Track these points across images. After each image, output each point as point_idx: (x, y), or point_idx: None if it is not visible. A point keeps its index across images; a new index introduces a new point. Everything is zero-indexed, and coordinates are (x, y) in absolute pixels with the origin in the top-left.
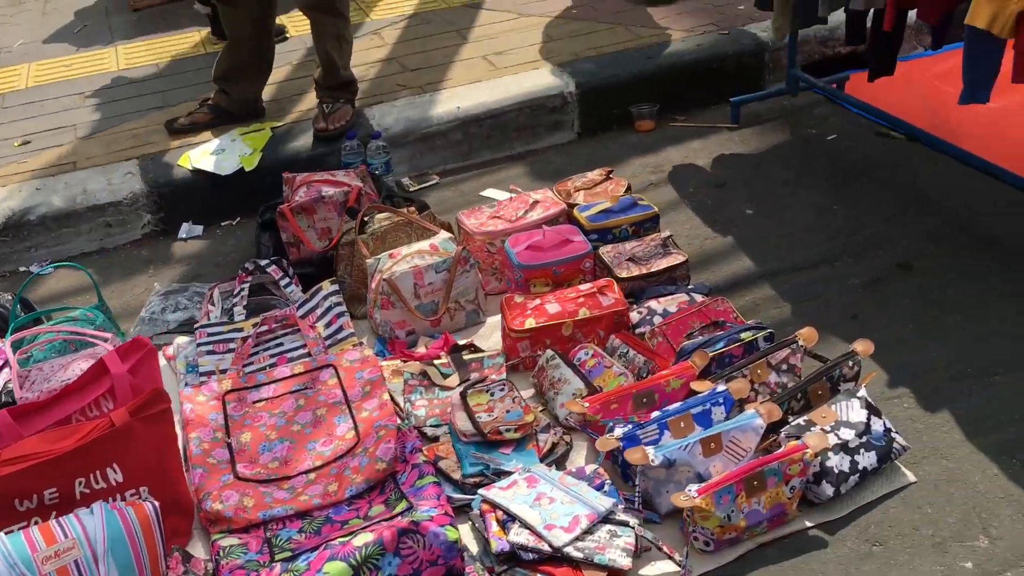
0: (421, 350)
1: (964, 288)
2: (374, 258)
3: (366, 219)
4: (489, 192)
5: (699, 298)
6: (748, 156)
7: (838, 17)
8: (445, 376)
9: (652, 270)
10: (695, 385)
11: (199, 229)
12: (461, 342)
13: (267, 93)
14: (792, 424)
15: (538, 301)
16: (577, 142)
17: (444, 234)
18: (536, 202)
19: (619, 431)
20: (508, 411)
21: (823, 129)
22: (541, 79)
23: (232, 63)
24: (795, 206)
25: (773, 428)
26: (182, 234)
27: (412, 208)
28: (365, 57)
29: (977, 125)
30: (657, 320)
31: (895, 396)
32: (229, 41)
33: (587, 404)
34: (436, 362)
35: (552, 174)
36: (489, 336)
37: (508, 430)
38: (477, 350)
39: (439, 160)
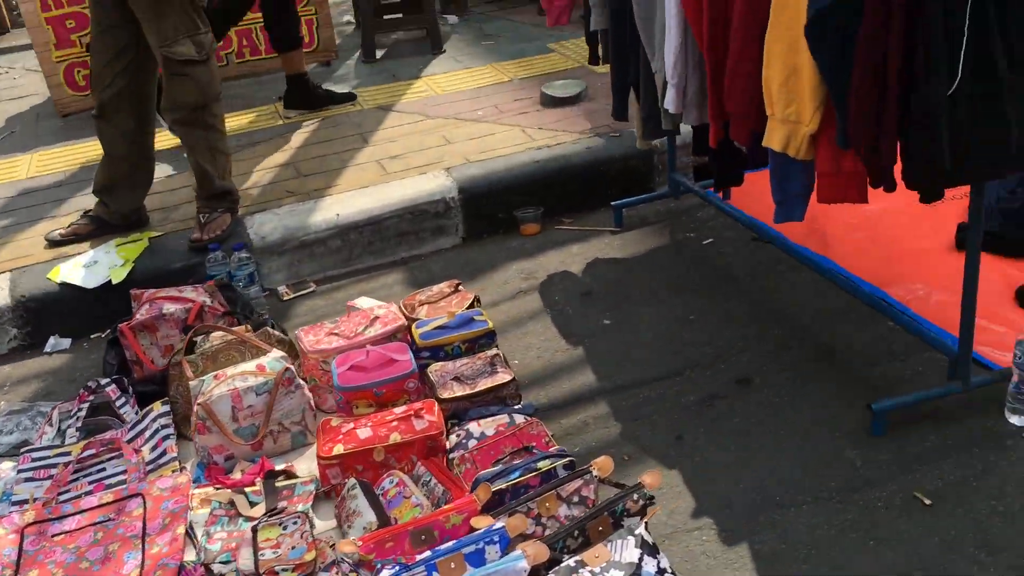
0: (237, 476)
1: (798, 406)
2: (198, 380)
3: (196, 339)
4: (360, 301)
5: (520, 420)
6: (622, 261)
7: None
8: (253, 504)
9: (476, 390)
10: (475, 521)
11: (66, 343)
12: (278, 467)
13: (156, 200)
14: (563, 565)
15: (351, 425)
16: (462, 247)
17: (275, 353)
18: (377, 318)
19: (386, 573)
20: (293, 547)
21: (701, 233)
22: (425, 184)
23: (109, 177)
24: (653, 316)
25: (549, 567)
26: (48, 348)
27: (248, 326)
28: (265, 162)
29: (849, 229)
30: (472, 444)
31: (697, 527)
32: (105, 155)
33: (360, 543)
34: (247, 489)
35: (428, 281)
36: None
37: (285, 570)
38: (291, 476)
39: (318, 268)
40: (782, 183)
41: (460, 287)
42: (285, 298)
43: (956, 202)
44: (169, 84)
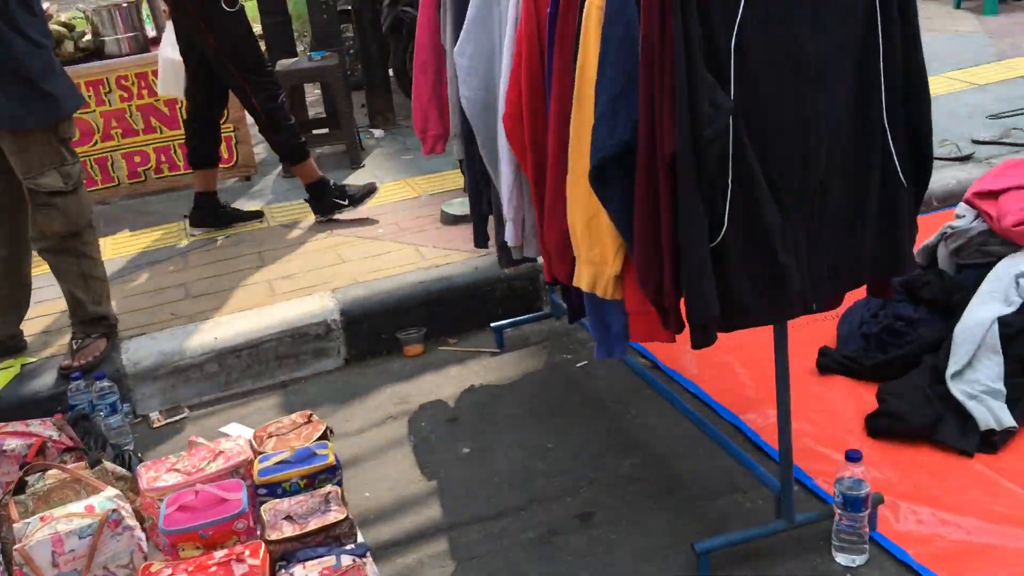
0: None
1: (633, 543)
2: (23, 522)
3: (30, 478)
4: (229, 428)
5: (347, 562)
6: (495, 386)
7: None
8: None
9: (307, 530)
10: None
11: None
12: None
13: (37, 324)
14: None
15: (170, 570)
16: (344, 369)
17: (109, 492)
18: (221, 452)
19: None
20: None
21: (578, 355)
22: (306, 307)
23: None
24: (513, 444)
25: None
26: None
27: (84, 463)
28: (158, 283)
29: (718, 351)
30: None
31: None
32: None
33: None
34: None
35: (305, 405)
36: None
37: None
38: None
39: (194, 392)
40: (600, 320)
41: (313, 417)
42: (156, 425)
43: (824, 323)
44: (35, 214)
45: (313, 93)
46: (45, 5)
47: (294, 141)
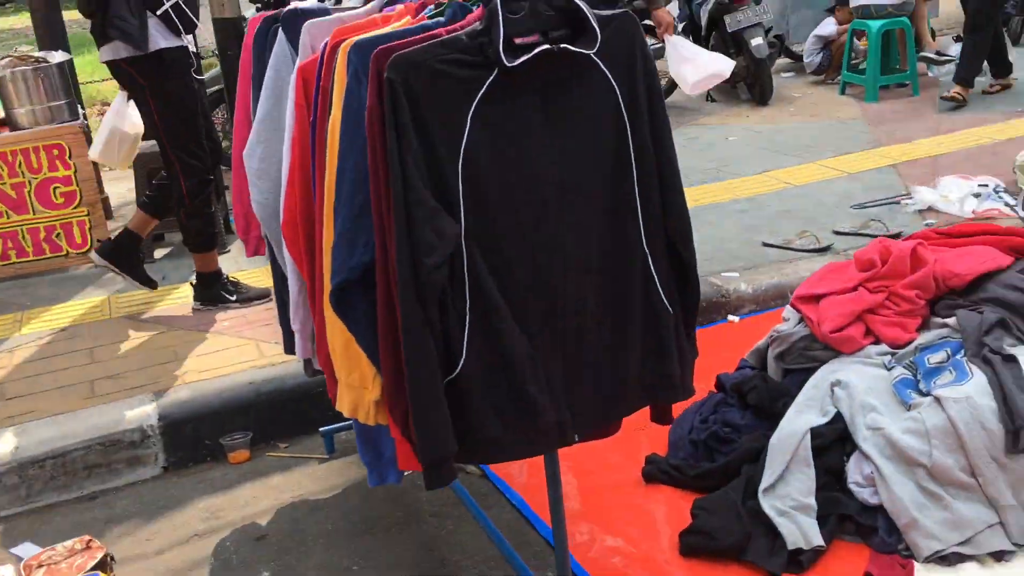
0: None
1: None
2: None
3: None
4: (21, 549)
5: None
6: (315, 498)
7: None
8: None
9: None
10: None
11: None
12: None
13: None
14: None
15: None
16: (161, 478)
17: None
18: None
19: None
20: None
21: None
22: (121, 411)
23: None
24: (317, 566)
25: None
26: None
27: None
28: None
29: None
30: None
31: None
32: None
33: None
34: None
35: (107, 522)
36: None
37: None
38: None
39: None
40: (369, 445)
41: (92, 543)
42: None
43: (652, 429)
44: None
45: None
46: None
47: (209, 230)
